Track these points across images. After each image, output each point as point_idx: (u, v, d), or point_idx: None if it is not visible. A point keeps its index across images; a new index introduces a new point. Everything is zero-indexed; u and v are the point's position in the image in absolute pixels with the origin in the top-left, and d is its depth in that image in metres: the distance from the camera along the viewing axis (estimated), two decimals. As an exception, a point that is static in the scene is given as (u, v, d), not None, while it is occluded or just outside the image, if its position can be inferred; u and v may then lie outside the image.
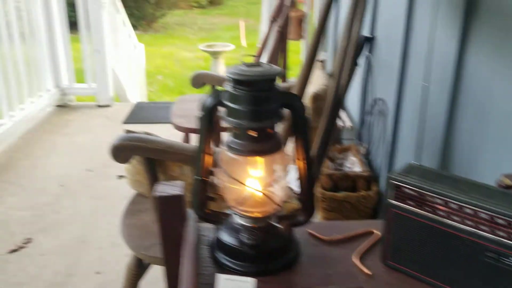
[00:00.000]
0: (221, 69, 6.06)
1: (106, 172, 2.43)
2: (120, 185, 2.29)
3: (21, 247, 1.83)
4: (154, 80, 6.12)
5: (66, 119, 3.16)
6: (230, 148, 0.64)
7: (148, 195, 1.23)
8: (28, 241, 1.86)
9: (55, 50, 3.25)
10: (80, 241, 1.87)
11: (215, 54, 6.02)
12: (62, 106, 3.36)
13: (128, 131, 1.17)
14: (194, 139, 1.87)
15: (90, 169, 2.47)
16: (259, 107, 0.61)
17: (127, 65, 3.97)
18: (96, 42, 3.24)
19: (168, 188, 0.71)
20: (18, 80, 2.84)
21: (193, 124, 1.79)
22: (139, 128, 3.11)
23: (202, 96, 2.13)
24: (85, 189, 2.27)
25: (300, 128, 0.65)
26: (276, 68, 0.62)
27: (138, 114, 3.28)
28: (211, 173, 0.68)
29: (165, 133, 3.07)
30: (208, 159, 0.67)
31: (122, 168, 2.53)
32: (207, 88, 1.65)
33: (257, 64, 0.62)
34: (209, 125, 0.66)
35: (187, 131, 1.78)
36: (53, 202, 2.15)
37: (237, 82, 0.60)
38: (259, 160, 0.64)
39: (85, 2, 3.17)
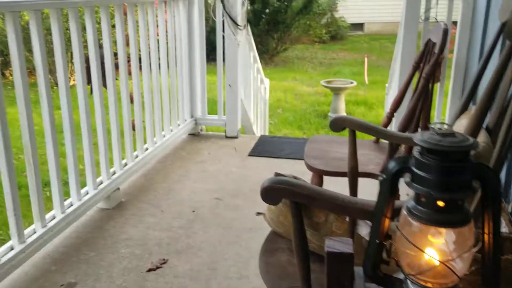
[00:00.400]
0: (342, 106, 6.07)
1: (233, 202, 2.54)
2: (245, 216, 2.38)
3: (158, 267, 1.98)
4: (274, 113, 6.32)
5: (198, 147, 3.39)
6: (413, 214, 0.63)
7: (289, 237, 1.25)
8: (164, 261, 2.01)
9: (193, 83, 3.54)
10: (210, 268, 1.97)
11: (336, 90, 6.06)
12: (194, 135, 3.63)
13: (278, 174, 1.21)
14: (327, 181, 1.88)
15: (219, 197, 2.60)
16: (450, 177, 0.60)
17: (254, 99, 4.16)
18: (229, 77, 3.47)
19: (339, 245, 0.72)
20: (162, 109, 3.13)
21: (327, 166, 1.81)
22: (263, 161, 3.21)
23: (337, 138, 2.14)
24: (214, 217, 2.39)
25: (491, 201, 0.62)
26: (471, 139, 0.60)
27: (263, 147, 3.39)
28: (387, 236, 0.67)
29: (289, 169, 3.13)
30: (386, 223, 0.67)
31: (250, 201, 2.63)
32: (346, 132, 1.66)
33: (451, 133, 0.61)
34: (391, 189, 0.66)
35: (320, 173, 1.79)
36: (186, 226, 2.30)
37: (429, 151, 0.60)
38: (443, 230, 0.63)
39: (223, 40, 3.42)
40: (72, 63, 2.25)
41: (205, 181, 2.83)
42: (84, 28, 2.26)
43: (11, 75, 6.72)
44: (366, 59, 6.87)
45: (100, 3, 2.31)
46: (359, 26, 13.12)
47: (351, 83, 6.16)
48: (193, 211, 2.45)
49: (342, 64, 9.75)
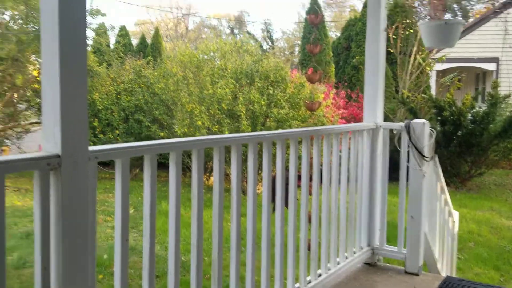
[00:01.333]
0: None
1: None
2: None
3: None
4: (465, 246, 5.64)
5: (373, 279, 3.19)
6: None
7: None
8: None
9: (372, 209, 3.45)
10: None
11: (545, 230, 5.13)
12: (370, 265, 3.44)
13: None
14: None
15: None
16: None
17: (440, 232, 3.81)
18: (412, 208, 3.28)
19: None
20: (339, 233, 3.10)
21: None
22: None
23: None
24: None
25: None
26: None
27: (448, 290, 3.01)
28: None
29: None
30: None
31: None
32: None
33: None
34: None
35: None
36: None
37: None
38: None
39: (407, 171, 3.32)
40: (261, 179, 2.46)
41: (378, 321, 2.60)
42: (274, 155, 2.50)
43: (207, 179, 7.83)
44: None
45: (290, 136, 2.54)
46: None
47: None
48: None
49: (553, 197, 8.35)
